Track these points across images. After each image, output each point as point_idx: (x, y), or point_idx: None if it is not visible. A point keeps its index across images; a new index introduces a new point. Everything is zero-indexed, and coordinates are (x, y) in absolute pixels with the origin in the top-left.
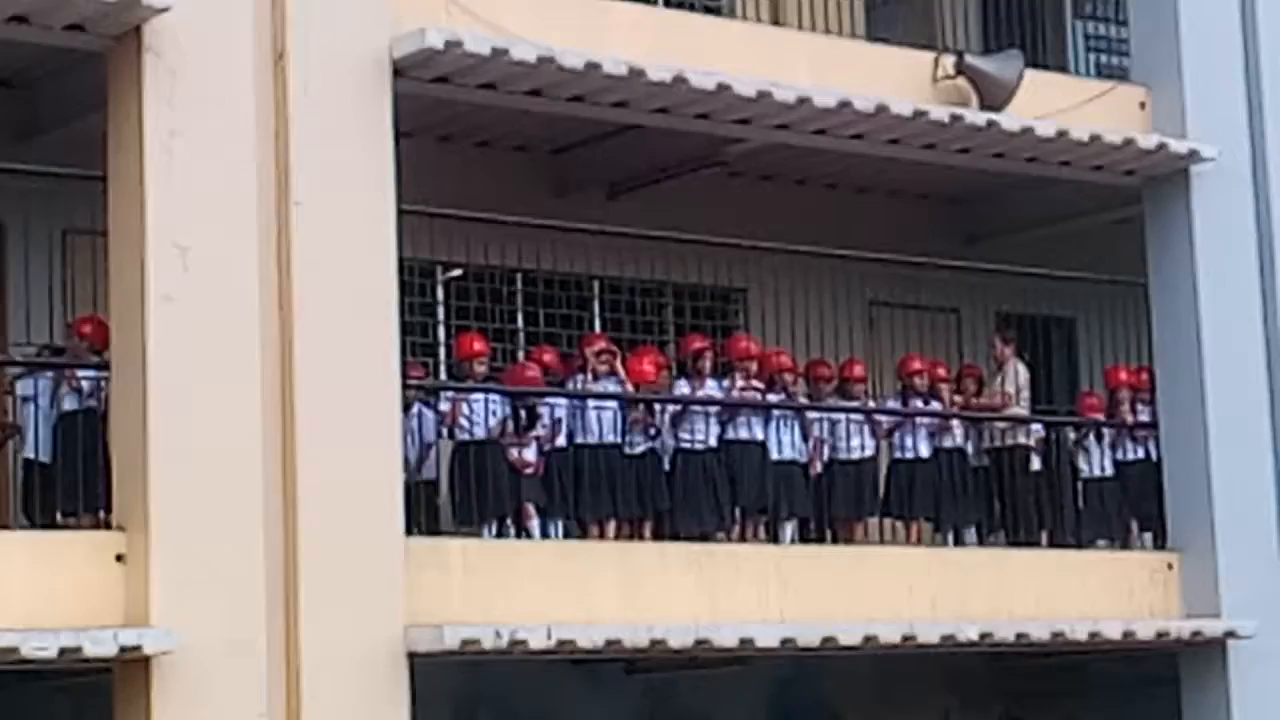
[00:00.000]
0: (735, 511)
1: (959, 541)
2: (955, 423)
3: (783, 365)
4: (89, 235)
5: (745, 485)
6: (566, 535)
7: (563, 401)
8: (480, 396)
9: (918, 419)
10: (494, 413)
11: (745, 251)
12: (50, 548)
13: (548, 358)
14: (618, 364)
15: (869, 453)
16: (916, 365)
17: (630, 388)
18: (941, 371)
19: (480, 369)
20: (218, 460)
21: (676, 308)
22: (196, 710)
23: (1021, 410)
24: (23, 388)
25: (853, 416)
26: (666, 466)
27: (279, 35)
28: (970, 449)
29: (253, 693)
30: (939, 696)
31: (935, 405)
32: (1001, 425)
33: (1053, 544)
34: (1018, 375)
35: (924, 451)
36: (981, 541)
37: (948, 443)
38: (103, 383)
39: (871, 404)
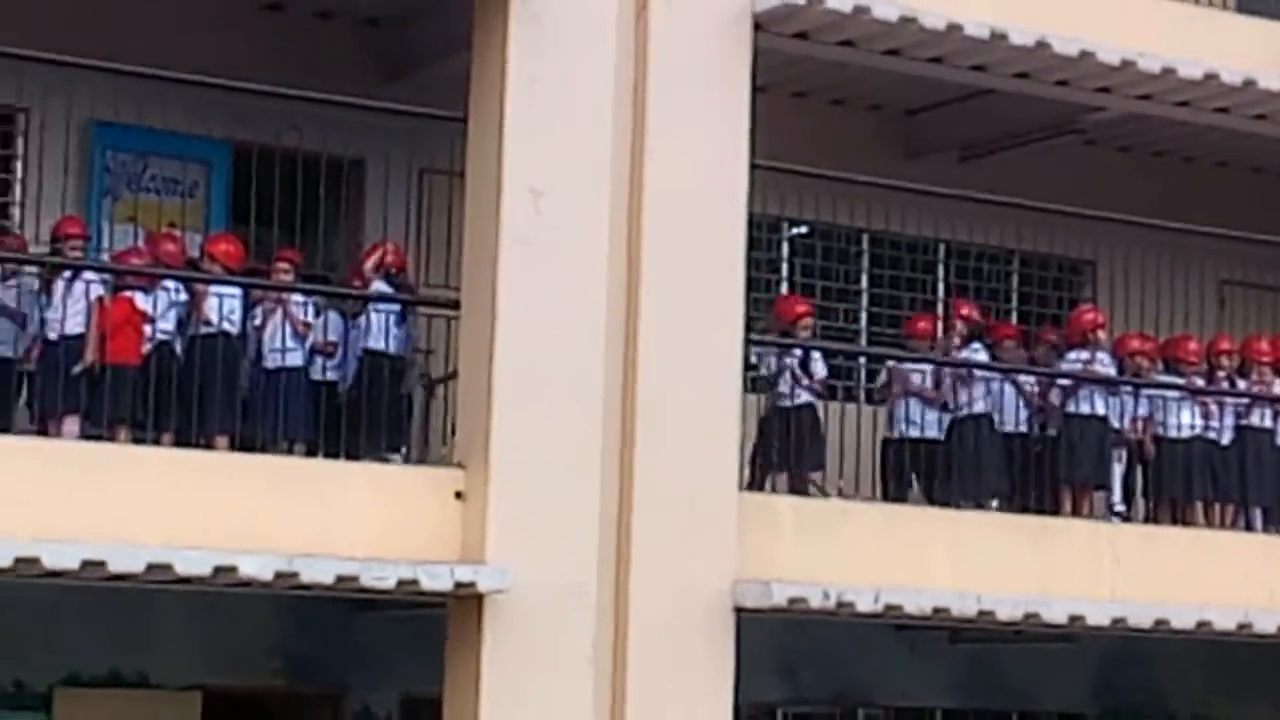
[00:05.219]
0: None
1: (1249, 526)
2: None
3: (1135, 349)
4: (446, 175)
5: (1082, 459)
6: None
7: None
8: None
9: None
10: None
11: (1096, 223)
12: (391, 481)
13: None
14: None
15: (1196, 431)
16: (1225, 345)
17: None
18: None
19: (804, 332)
20: (559, 404)
21: (1023, 276)
22: (526, 649)
23: None
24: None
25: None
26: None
27: None
28: None
29: (582, 636)
30: (1272, 687)
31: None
32: None
33: None
34: None
35: (1226, 438)
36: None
37: (1254, 421)
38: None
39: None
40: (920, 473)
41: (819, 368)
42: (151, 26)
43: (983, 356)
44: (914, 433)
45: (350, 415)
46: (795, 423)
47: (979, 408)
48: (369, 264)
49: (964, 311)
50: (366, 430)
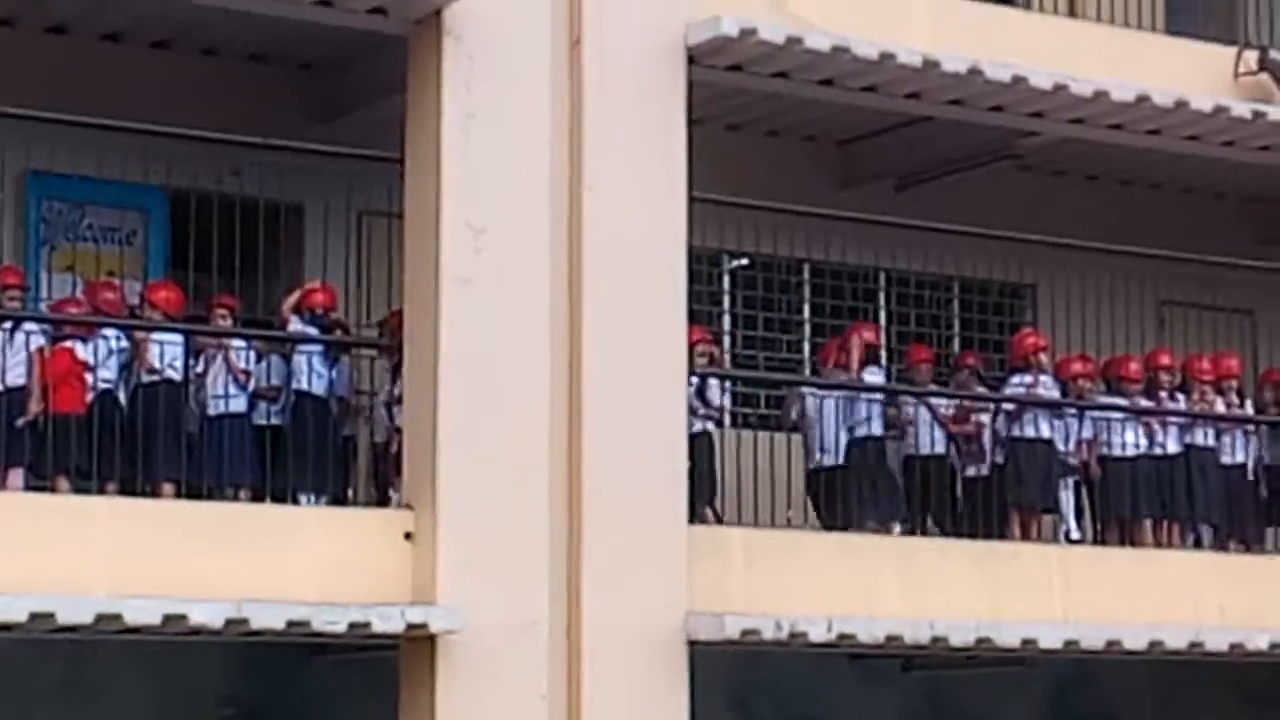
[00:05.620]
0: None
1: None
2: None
3: (1077, 371)
4: (385, 217)
5: (1029, 484)
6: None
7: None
8: None
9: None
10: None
11: (1035, 247)
12: (339, 524)
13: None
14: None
15: (1141, 450)
16: (1165, 360)
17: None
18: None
19: (701, 360)
20: (505, 442)
21: (963, 302)
22: (480, 689)
23: None
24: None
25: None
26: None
27: (575, 21)
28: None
29: (535, 674)
30: (1223, 705)
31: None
32: None
33: None
34: None
35: (1172, 448)
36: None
37: (1198, 439)
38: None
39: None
40: (822, 499)
41: (715, 395)
42: (86, 74)
43: (879, 379)
44: (828, 460)
45: (284, 457)
46: (692, 452)
47: (875, 429)
48: (286, 305)
49: (861, 334)
50: (297, 471)
